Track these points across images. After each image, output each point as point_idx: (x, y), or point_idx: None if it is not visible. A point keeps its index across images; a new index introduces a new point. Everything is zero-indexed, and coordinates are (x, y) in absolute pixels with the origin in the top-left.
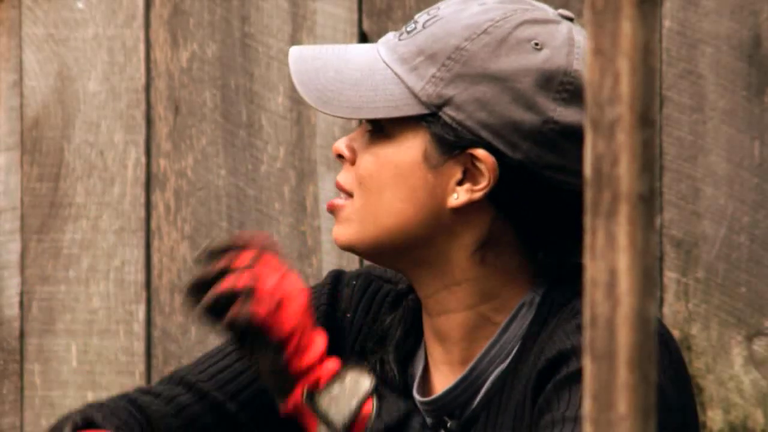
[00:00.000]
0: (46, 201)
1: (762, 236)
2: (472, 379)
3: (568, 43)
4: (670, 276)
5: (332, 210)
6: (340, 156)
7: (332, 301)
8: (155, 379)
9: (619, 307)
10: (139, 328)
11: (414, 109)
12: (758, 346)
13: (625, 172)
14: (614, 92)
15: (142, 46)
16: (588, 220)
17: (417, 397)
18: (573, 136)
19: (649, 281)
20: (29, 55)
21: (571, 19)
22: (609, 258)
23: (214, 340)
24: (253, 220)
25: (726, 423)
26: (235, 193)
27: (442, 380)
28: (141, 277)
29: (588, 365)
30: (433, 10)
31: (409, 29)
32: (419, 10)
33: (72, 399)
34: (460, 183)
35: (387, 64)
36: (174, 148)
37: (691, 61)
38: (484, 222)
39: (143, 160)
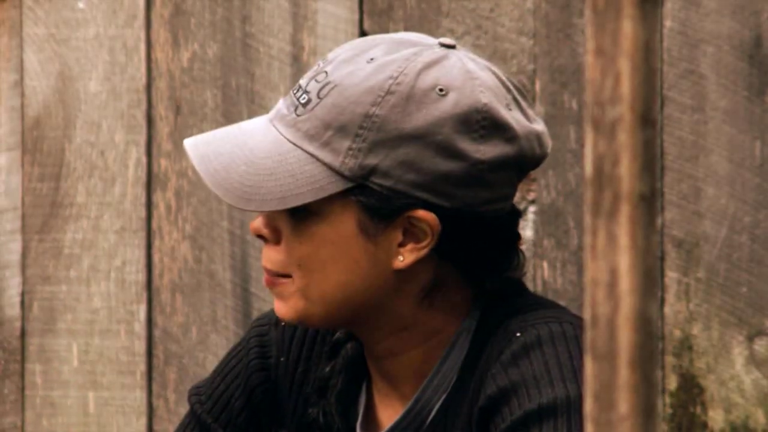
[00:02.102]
0: (47, 201)
1: (763, 236)
2: (417, 410)
3: (468, 77)
4: (671, 276)
5: (272, 286)
6: (260, 236)
7: (261, 351)
8: (156, 378)
9: (620, 307)
10: (140, 327)
11: (339, 186)
12: (759, 345)
13: (626, 172)
14: (615, 92)
15: (143, 46)
16: (589, 220)
17: None
18: (499, 167)
19: (650, 281)
20: (30, 55)
21: (453, 47)
22: (610, 258)
23: (215, 339)
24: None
25: (727, 423)
26: None
27: (391, 414)
28: (142, 277)
29: (589, 365)
30: (320, 76)
31: (303, 101)
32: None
33: (73, 399)
34: (402, 244)
35: (295, 144)
36: (175, 148)
37: (693, 61)
38: (429, 270)
39: (144, 159)
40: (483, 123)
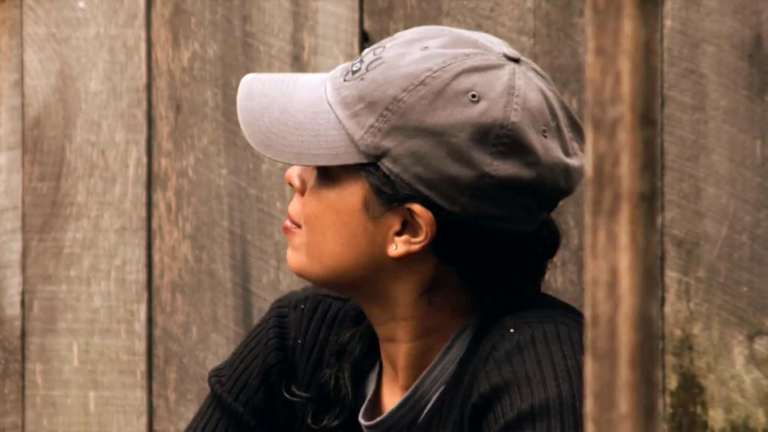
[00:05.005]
0: (47, 200)
1: (764, 236)
2: (415, 399)
3: (507, 92)
4: (671, 275)
5: (286, 233)
6: (291, 183)
7: (280, 332)
8: (156, 378)
9: (621, 306)
10: (140, 327)
11: (354, 158)
12: (760, 345)
13: (626, 171)
14: (616, 92)
15: (143, 46)
16: (589, 220)
17: (362, 421)
18: (510, 187)
19: (651, 280)
20: (31, 54)
21: (516, 60)
22: (610, 257)
23: (215, 339)
24: (254, 219)
25: (727, 422)
26: (237, 192)
27: (393, 401)
28: (142, 276)
29: (589, 365)
30: (378, 49)
31: (355, 69)
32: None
33: (74, 398)
34: (399, 233)
35: (331, 106)
36: (175, 148)
37: (693, 60)
38: (427, 268)
39: (144, 159)
40: (504, 140)
